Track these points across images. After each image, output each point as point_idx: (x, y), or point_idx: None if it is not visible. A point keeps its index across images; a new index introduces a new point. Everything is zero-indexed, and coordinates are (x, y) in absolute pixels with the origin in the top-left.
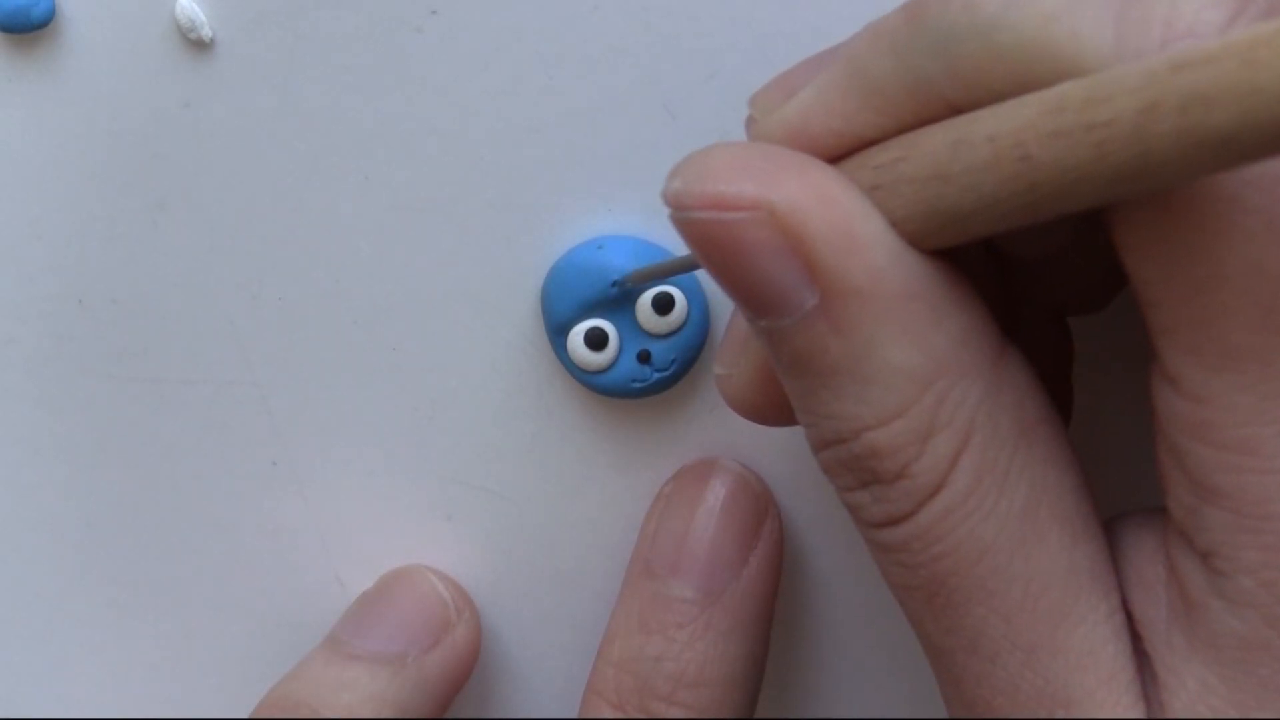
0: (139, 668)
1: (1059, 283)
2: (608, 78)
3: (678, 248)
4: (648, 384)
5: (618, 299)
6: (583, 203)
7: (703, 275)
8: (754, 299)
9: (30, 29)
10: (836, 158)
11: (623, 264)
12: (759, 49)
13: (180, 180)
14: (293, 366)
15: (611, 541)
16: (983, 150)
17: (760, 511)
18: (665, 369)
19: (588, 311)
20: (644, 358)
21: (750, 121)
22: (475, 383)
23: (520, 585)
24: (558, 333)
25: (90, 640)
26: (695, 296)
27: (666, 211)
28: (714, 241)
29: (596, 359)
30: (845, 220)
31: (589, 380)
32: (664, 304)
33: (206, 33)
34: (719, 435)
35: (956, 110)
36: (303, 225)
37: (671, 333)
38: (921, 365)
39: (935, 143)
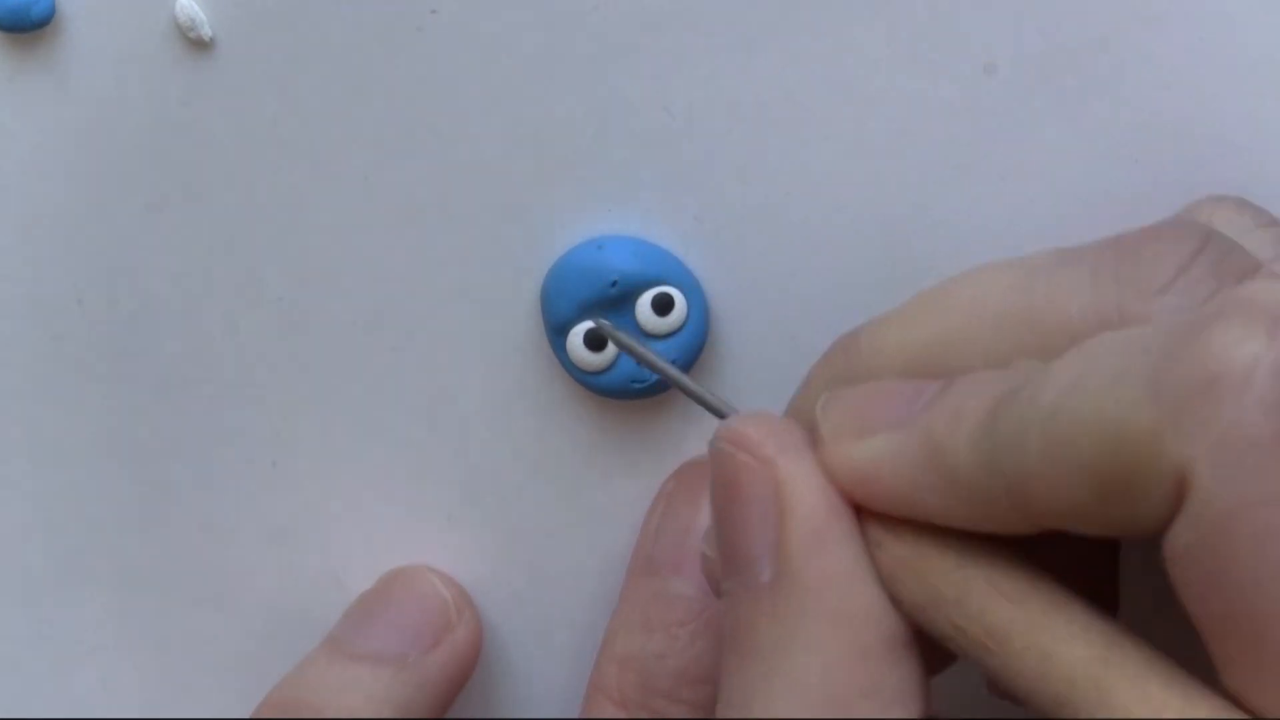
0: (139, 668)
1: None
2: (608, 78)
3: (676, 248)
4: (647, 385)
5: (617, 299)
6: (583, 203)
7: (703, 277)
8: (731, 548)
9: (30, 28)
10: (893, 515)
11: (622, 264)
12: (758, 49)
13: (180, 180)
14: (292, 366)
15: (611, 541)
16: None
17: None
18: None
19: (587, 312)
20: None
21: (819, 435)
22: (475, 383)
23: (520, 585)
24: (557, 333)
25: (90, 640)
26: (695, 297)
27: (666, 211)
28: (722, 476)
29: (596, 359)
30: (828, 520)
31: (588, 381)
32: (664, 305)
33: (206, 32)
34: None
35: (1025, 514)
36: (303, 225)
37: (671, 333)
38: (823, 692)
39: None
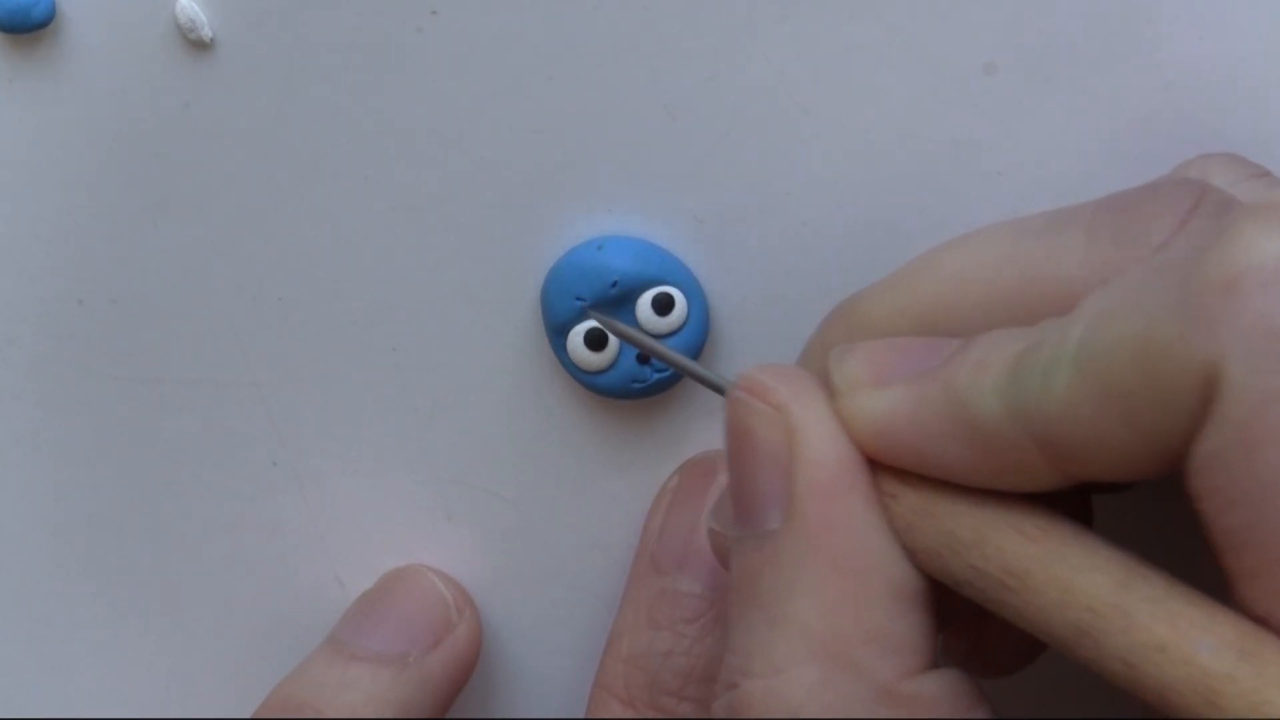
0: (139, 668)
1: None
2: (608, 78)
3: (677, 248)
4: (647, 384)
5: (618, 299)
6: (583, 203)
7: (703, 276)
8: (742, 496)
9: (30, 29)
10: (909, 469)
11: (622, 264)
12: (758, 49)
13: (180, 180)
14: (293, 366)
15: (611, 542)
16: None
17: None
18: (664, 369)
19: (587, 312)
20: (643, 358)
21: (832, 383)
22: (475, 383)
23: (520, 585)
24: (557, 333)
25: (90, 640)
26: (695, 297)
27: (666, 211)
28: (735, 423)
29: (596, 359)
30: (839, 467)
31: (589, 381)
32: (664, 304)
33: (206, 33)
34: (719, 436)
35: (1052, 460)
36: (303, 225)
37: (671, 333)
38: (825, 637)
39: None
